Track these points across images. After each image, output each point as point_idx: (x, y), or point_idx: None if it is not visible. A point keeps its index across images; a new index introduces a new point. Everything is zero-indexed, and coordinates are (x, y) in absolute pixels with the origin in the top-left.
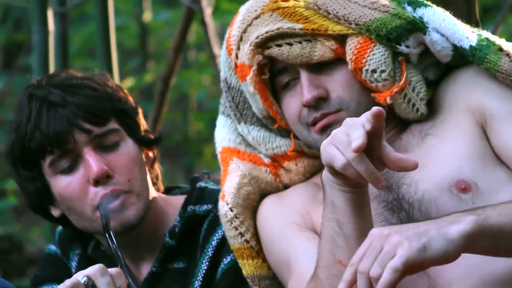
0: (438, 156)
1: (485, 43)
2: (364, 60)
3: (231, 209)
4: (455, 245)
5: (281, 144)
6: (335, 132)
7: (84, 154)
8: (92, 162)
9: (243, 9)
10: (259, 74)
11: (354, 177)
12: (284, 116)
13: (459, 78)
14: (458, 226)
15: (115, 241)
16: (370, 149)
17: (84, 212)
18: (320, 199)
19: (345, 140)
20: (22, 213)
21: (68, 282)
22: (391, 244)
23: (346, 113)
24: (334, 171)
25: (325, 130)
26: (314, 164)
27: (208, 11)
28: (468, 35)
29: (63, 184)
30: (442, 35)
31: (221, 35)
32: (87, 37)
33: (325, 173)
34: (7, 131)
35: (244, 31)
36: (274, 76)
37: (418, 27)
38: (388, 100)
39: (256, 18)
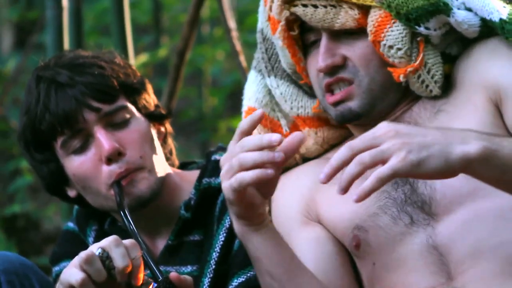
0: None
1: None
2: (382, 35)
3: None
4: (454, 167)
5: (307, 105)
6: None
7: (95, 133)
8: (103, 140)
9: None
10: (288, 29)
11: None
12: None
13: (475, 54)
14: (464, 148)
15: (130, 218)
16: None
17: (99, 191)
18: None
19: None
20: (38, 191)
21: (83, 254)
22: (391, 145)
23: (358, 88)
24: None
25: (337, 105)
26: (334, 136)
27: None
28: (498, 8)
29: (76, 164)
30: (469, 10)
31: (235, 8)
32: (99, 14)
33: (235, 225)
34: (21, 109)
35: None
36: (305, 32)
37: (441, 9)
38: (401, 78)
39: None
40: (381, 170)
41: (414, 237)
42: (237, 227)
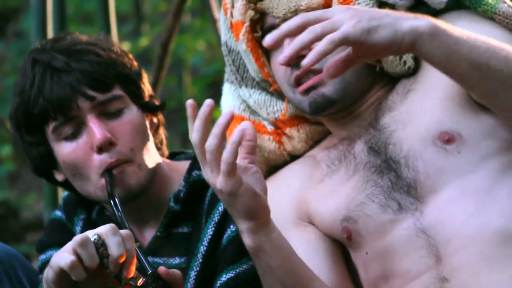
0: (419, 111)
1: None
2: None
3: None
4: (403, 37)
5: (282, 108)
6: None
7: (87, 121)
8: (96, 129)
9: None
10: (252, 31)
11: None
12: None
13: None
14: (414, 22)
15: (120, 208)
16: None
17: (90, 179)
18: (315, 179)
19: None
20: (17, 179)
21: (78, 237)
22: (342, 16)
23: None
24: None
25: (309, 92)
26: (317, 131)
27: None
28: None
29: (66, 151)
30: None
31: None
32: (80, 2)
33: (246, 238)
34: (1, 96)
35: None
36: (264, 35)
37: None
38: None
39: None
40: (332, 34)
41: (403, 222)
42: (249, 238)
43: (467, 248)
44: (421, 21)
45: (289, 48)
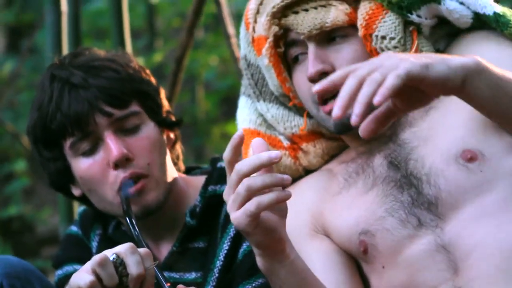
0: (442, 129)
1: (508, 12)
2: (374, 26)
3: None
4: (456, 73)
5: (299, 124)
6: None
7: (104, 137)
8: (113, 145)
9: None
10: (275, 46)
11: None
12: (297, 93)
13: (464, 45)
14: (461, 59)
15: (136, 226)
16: None
17: (105, 195)
18: (332, 192)
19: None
20: (32, 194)
21: (97, 257)
22: (395, 59)
23: None
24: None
25: None
26: (333, 146)
27: None
28: (491, 2)
29: (84, 167)
30: (461, 3)
31: (234, 15)
32: (93, 18)
33: (259, 262)
34: (16, 112)
35: (261, 3)
36: (286, 49)
37: None
38: None
39: None
40: (396, 70)
41: (423, 238)
42: (262, 262)
43: (485, 261)
44: (467, 59)
45: (356, 104)
